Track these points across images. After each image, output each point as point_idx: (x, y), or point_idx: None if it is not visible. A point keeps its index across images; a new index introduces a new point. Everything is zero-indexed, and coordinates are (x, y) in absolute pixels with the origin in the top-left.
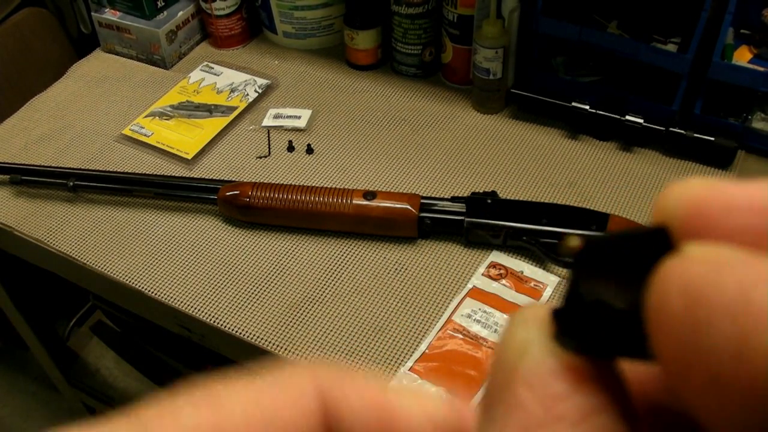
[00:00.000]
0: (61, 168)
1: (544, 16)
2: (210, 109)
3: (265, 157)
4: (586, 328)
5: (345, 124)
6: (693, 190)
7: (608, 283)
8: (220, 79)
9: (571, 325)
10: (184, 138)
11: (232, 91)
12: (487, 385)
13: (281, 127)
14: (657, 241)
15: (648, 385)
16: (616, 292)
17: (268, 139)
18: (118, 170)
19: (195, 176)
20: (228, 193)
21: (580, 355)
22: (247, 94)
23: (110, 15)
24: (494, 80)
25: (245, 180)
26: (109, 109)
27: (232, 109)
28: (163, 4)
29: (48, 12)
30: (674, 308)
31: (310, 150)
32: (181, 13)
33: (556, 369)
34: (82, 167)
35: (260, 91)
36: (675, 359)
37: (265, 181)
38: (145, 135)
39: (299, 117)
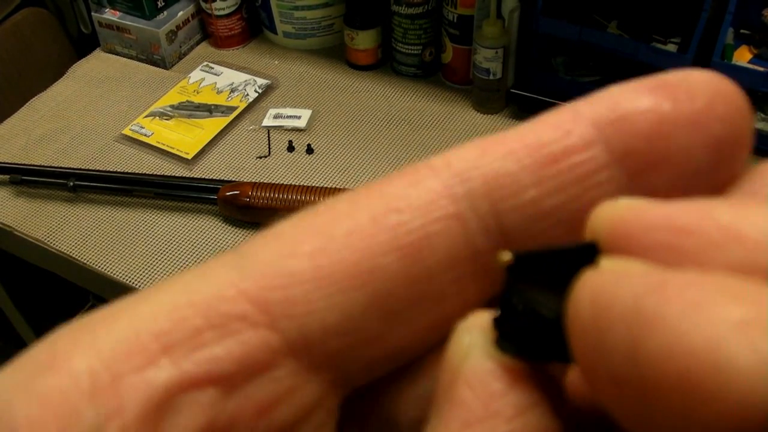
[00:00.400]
0: (61, 168)
1: (544, 16)
2: (210, 109)
3: (265, 157)
4: (520, 335)
5: (345, 124)
6: (618, 209)
7: (537, 293)
8: (220, 79)
9: (508, 331)
10: (184, 138)
11: (232, 91)
12: (435, 388)
13: (281, 127)
14: (584, 256)
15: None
16: (544, 302)
17: (268, 139)
18: (118, 170)
19: (195, 176)
20: (228, 193)
21: (516, 358)
22: (247, 94)
23: (110, 15)
24: (494, 80)
25: (245, 180)
26: (109, 109)
27: (232, 109)
28: (163, 4)
29: (48, 12)
30: (583, 315)
31: (310, 150)
32: (181, 13)
33: (494, 370)
34: (82, 167)
35: (260, 91)
36: (585, 362)
37: (265, 181)
38: (145, 135)
39: (299, 117)
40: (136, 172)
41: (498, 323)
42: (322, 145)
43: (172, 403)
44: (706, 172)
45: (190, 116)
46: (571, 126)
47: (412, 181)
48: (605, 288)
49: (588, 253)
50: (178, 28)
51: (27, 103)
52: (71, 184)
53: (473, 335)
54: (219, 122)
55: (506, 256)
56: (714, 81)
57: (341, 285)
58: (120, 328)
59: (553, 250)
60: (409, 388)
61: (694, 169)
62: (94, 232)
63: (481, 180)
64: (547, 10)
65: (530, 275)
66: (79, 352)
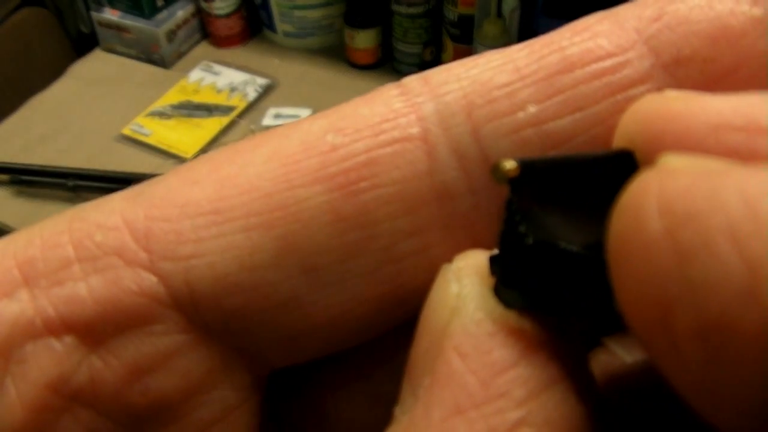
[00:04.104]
0: (61, 168)
1: (544, 16)
2: (210, 109)
3: None
4: (531, 279)
5: None
6: (666, 104)
7: (557, 218)
8: (219, 78)
9: (513, 275)
10: (184, 137)
11: (232, 90)
12: (411, 352)
13: None
14: (619, 165)
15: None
16: (568, 229)
17: None
18: (118, 170)
19: None
20: None
21: (526, 313)
22: (247, 94)
23: (110, 14)
24: None
25: None
26: (109, 109)
27: (232, 108)
28: (162, 3)
29: (48, 12)
30: (651, 233)
31: None
32: (180, 12)
33: (495, 332)
34: (82, 167)
35: (260, 90)
36: (650, 306)
37: None
38: (145, 134)
39: (299, 117)
40: (136, 171)
41: (498, 264)
42: None
43: (21, 346)
44: None
45: (189, 116)
46: (601, 27)
47: (370, 99)
48: (688, 190)
49: (622, 163)
50: (178, 27)
51: (27, 103)
52: (71, 184)
53: (464, 282)
54: (219, 122)
55: (509, 164)
56: None
57: (241, 222)
58: None
59: (572, 160)
60: (367, 387)
61: None
62: None
63: (459, 93)
64: (547, 10)
65: (543, 194)
66: None
